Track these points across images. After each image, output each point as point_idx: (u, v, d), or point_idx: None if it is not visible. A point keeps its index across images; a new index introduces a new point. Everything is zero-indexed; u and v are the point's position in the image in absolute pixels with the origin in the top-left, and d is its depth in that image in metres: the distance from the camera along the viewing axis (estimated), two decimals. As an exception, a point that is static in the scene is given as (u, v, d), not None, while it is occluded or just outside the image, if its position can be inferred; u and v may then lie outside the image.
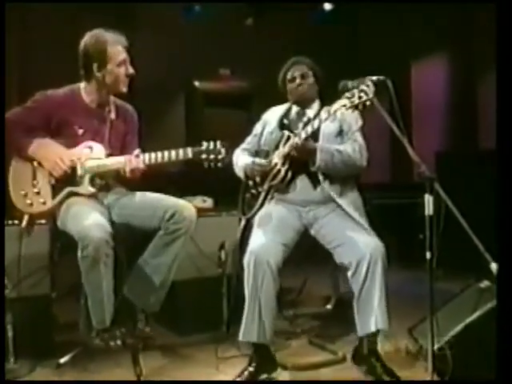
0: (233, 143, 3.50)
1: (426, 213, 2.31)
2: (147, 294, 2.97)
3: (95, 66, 2.96)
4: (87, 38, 3.00)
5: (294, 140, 2.99)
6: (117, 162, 2.98)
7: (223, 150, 2.87)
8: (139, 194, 3.10)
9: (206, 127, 7.17)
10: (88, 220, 2.75)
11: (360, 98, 2.62)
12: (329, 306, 4.05)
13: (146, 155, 2.94)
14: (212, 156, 2.86)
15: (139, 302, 2.99)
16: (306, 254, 3.21)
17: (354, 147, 3.07)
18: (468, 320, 2.77)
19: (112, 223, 2.91)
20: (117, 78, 3.01)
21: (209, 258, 3.64)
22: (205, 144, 2.87)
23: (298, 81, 3.23)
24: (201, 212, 3.28)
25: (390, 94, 2.49)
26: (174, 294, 3.24)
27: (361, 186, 3.28)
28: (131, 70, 3.05)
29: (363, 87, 2.61)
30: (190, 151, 2.88)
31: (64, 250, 3.08)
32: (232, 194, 3.41)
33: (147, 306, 3.00)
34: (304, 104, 3.27)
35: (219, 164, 2.87)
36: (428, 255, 2.32)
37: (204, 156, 2.86)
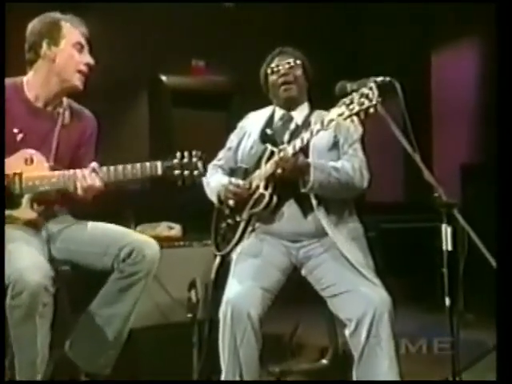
0: (208, 152, 3.51)
1: (444, 248, 2.33)
2: (95, 354, 2.94)
3: (45, 42, 2.95)
4: (36, 19, 3.00)
5: (280, 156, 2.96)
6: (65, 177, 2.90)
7: (200, 164, 2.83)
8: (88, 225, 3.08)
9: (174, 133, 7.17)
10: (23, 260, 2.68)
11: (361, 104, 2.61)
12: (324, 361, 4.02)
13: (104, 169, 2.88)
14: (186, 172, 2.82)
15: (84, 364, 2.95)
16: (297, 292, 3.22)
17: (353, 164, 3.08)
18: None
19: (52, 260, 2.87)
20: (70, 62, 2.98)
21: (176, 299, 3.64)
22: (177, 156, 2.83)
23: (282, 71, 3.23)
24: (167, 242, 3.29)
25: (399, 99, 2.50)
26: (131, 345, 3.22)
27: (366, 206, 3.30)
28: (90, 59, 3.03)
29: (364, 90, 2.60)
30: (159, 166, 2.84)
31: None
32: (204, 219, 3.41)
33: (94, 368, 2.96)
34: (290, 105, 3.28)
35: (196, 181, 2.86)
36: (447, 302, 2.32)
37: (177, 172, 2.82)
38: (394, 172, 7.02)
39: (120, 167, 2.88)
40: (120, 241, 2.94)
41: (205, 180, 3.34)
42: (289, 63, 3.24)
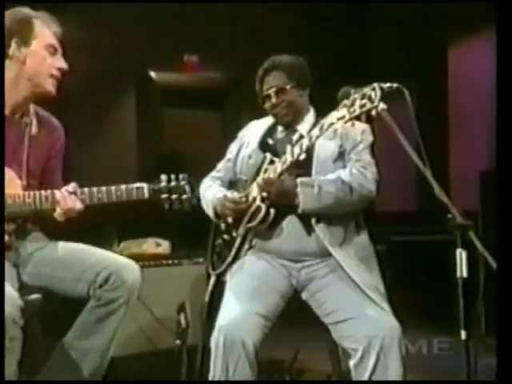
0: (203, 156, 3.49)
1: (458, 275, 2.29)
2: None
3: (14, 41, 2.93)
4: (6, 14, 2.97)
5: (264, 179, 2.99)
6: (42, 198, 2.88)
7: (188, 188, 2.87)
8: (62, 247, 3.06)
9: (165, 134, 7.17)
10: None
11: (362, 106, 2.59)
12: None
13: (86, 191, 2.88)
14: (174, 196, 2.87)
15: None
16: (298, 314, 3.19)
17: (354, 170, 3.05)
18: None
19: (22, 287, 2.84)
20: (43, 66, 2.96)
21: (163, 324, 3.61)
22: (164, 179, 2.87)
23: (273, 100, 3.19)
24: (154, 260, 3.27)
25: (408, 107, 2.46)
26: (113, 375, 3.20)
27: (375, 217, 3.26)
28: (63, 64, 3.02)
29: (367, 91, 2.59)
30: (146, 190, 2.87)
31: None
32: (195, 234, 3.39)
33: None
34: (291, 125, 3.25)
35: (184, 206, 2.88)
36: (463, 335, 2.28)
37: (164, 196, 2.87)
38: (406, 179, 7.00)
39: (103, 189, 2.89)
40: (96, 264, 2.91)
41: (201, 192, 3.35)
42: (277, 88, 3.18)
